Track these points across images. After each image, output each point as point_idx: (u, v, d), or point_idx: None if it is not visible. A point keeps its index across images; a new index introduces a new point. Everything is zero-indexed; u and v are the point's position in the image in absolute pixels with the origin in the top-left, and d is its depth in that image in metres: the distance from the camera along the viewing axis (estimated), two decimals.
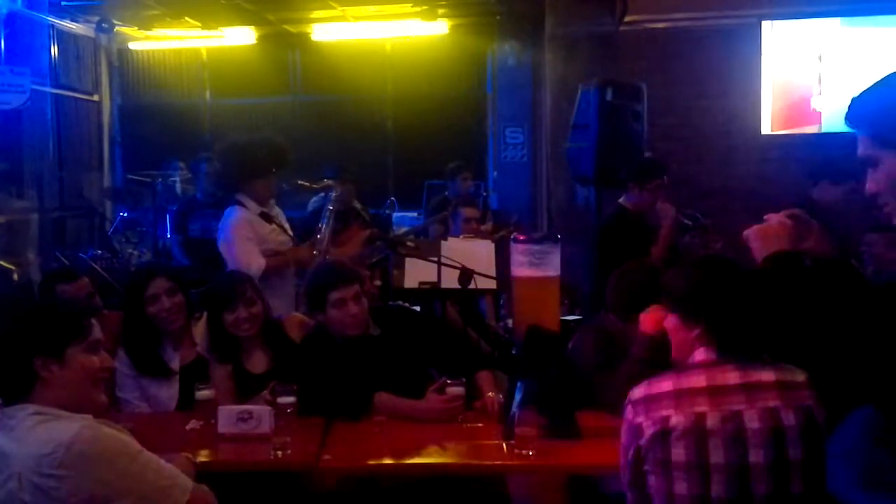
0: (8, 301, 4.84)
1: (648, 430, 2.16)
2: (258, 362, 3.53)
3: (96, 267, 6.67)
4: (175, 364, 3.55)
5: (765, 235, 1.90)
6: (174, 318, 3.53)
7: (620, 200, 4.98)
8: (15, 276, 6.69)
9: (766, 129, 8.02)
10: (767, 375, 2.12)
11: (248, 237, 4.23)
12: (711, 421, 2.09)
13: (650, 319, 2.95)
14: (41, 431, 2.02)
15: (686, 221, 5.32)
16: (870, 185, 1.75)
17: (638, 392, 2.24)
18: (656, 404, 2.17)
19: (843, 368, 1.63)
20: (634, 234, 4.76)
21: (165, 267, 4.68)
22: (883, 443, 1.60)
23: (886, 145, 1.70)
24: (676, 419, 2.12)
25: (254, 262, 4.13)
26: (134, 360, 3.53)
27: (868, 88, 1.78)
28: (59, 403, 2.09)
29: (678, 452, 2.10)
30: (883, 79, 1.76)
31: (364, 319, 3.47)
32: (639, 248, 4.59)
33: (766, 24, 7.93)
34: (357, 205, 6.46)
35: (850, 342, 1.59)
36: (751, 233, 1.94)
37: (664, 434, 2.12)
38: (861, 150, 1.76)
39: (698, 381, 2.15)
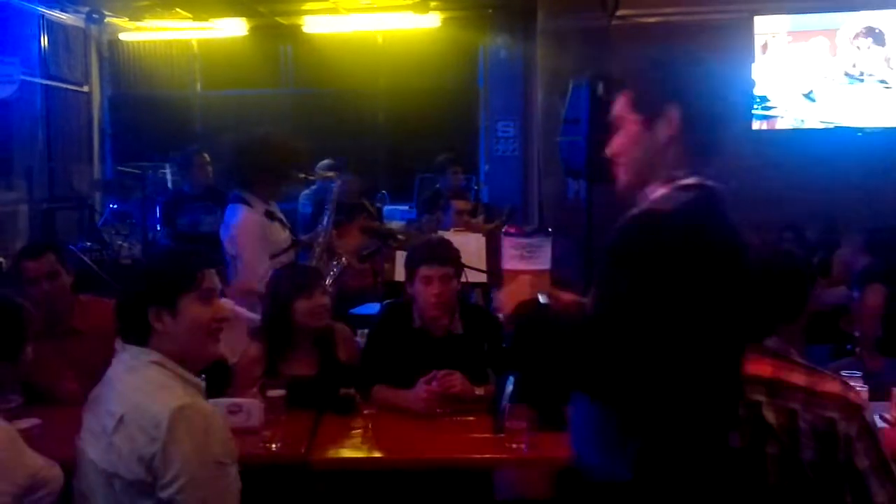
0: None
1: None
2: (301, 368, 3.44)
3: (85, 258, 6.64)
4: None
5: (508, 293, 2.01)
6: None
7: None
8: (3, 268, 6.66)
9: (758, 124, 8.03)
10: (765, 370, 2.12)
11: (259, 238, 4.15)
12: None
13: None
14: (160, 388, 2.07)
15: None
16: (614, 146, 1.93)
17: None
18: None
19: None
20: None
21: None
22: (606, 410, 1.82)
23: (636, 108, 1.86)
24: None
25: (260, 268, 4.03)
26: None
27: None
28: (177, 351, 2.13)
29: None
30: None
31: (446, 304, 3.44)
32: None
33: (758, 19, 7.93)
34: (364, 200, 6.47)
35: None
36: (498, 297, 2.07)
37: None
38: (616, 109, 1.92)
39: None
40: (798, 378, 2.09)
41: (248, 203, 4.21)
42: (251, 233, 4.14)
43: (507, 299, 1.99)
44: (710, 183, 1.86)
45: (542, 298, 1.99)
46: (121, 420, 2.03)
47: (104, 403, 2.13)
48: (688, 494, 1.81)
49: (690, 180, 1.83)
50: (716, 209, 1.84)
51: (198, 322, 2.16)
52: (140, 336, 2.14)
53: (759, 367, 2.10)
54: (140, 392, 2.07)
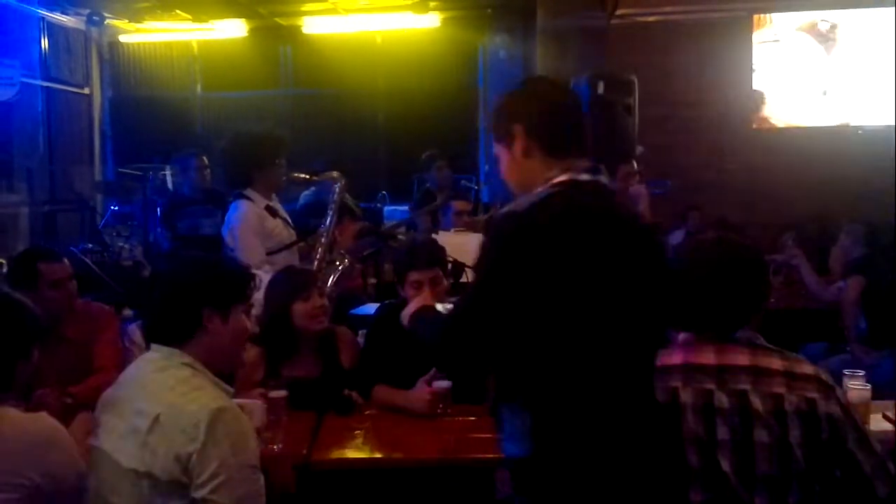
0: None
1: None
2: (303, 372, 3.40)
3: (87, 261, 6.64)
4: None
5: (412, 305, 2.40)
6: None
7: None
8: (4, 269, 6.66)
9: (758, 123, 8.04)
10: (743, 359, 2.15)
11: (255, 231, 4.22)
12: (684, 396, 2.13)
13: None
14: (194, 389, 2.11)
15: (656, 191, 5.86)
16: (503, 177, 2.28)
17: None
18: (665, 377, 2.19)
19: None
20: None
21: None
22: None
23: (498, 140, 2.23)
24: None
25: (254, 257, 4.05)
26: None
27: None
28: (211, 355, 2.20)
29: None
30: None
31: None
32: None
33: (757, 18, 7.95)
34: (348, 199, 6.43)
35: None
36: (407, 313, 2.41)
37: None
38: (495, 151, 2.28)
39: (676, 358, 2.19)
40: (776, 363, 2.15)
41: (248, 198, 4.30)
42: (248, 223, 4.22)
43: (408, 310, 2.32)
44: (582, 177, 2.09)
45: (439, 307, 2.36)
46: (156, 419, 2.05)
47: (131, 403, 2.14)
48: (584, 471, 1.97)
49: (563, 177, 2.08)
50: (574, 199, 2.04)
51: (241, 329, 2.28)
52: (178, 335, 2.18)
53: (736, 357, 2.16)
54: (174, 392, 2.09)
